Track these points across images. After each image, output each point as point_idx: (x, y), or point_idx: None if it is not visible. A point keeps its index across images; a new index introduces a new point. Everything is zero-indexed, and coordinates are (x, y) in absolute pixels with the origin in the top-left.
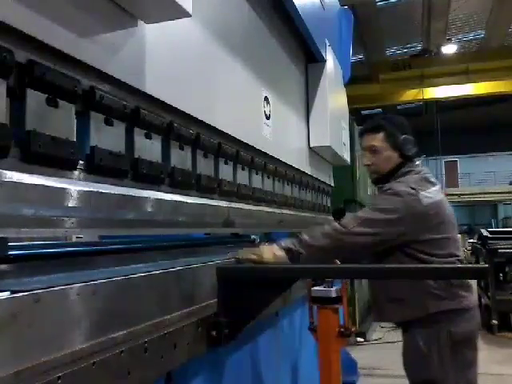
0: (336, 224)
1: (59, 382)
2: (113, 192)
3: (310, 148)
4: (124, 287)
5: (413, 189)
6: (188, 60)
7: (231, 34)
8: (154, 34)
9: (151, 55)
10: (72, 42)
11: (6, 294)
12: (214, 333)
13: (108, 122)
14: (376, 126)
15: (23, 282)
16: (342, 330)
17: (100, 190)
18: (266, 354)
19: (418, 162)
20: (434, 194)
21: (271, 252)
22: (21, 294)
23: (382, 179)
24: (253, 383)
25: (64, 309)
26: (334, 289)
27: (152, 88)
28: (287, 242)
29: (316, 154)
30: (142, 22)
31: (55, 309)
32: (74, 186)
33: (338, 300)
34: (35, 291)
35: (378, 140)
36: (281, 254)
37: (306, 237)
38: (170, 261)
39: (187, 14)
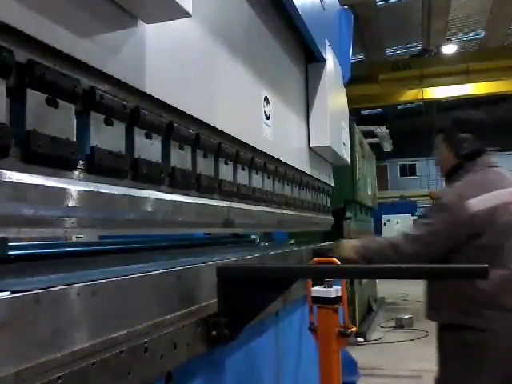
0: (391, 240)
1: (59, 382)
2: (113, 192)
3: (310, 148)
4: (124, 287)
5: (460, 197)
6: (188, 60)
7: (231, 34)
8: (154, 34)
9: (151, 55)
10: (72, 42)
11: (5, 294)
12: (213, 333)
13: (108, 122)
14: (439, 127)
15: (23, 282)
16: (342, 329)
17: (100, 190)
18: (266, 354)
19: (482, 160)
20: (486, 200)
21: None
22: (21, 293)
23: (447, 178)
24: (253, 383)
25: (64, 309)
26: (333, 289)
27: (152, 88)
28: (358, 247)
29: (316, 153)
30: (142, 22)
31: (55, 309)
32: (74, 186)
33: (338, 300)
34: (35, 291)
35: (438, 140)
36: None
37: (364, 247)
38: (170, 261)
39: (187, 14)
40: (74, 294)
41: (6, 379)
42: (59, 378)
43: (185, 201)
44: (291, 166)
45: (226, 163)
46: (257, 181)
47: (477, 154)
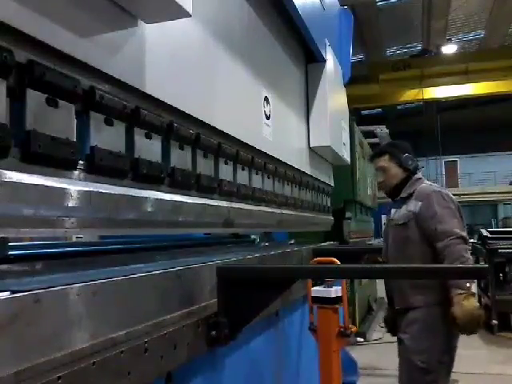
0: (459, 240)
1: (59, 382)
2: (113, 192)
3: (310, 148)
4: (124, 287)
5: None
6: (188, 60)
7: (231, 34)
8: (154, 34)
9: (151, 55)
10: (72, 42)
11: (5, 294)
12: (213, 333)
13: (108, 122)
14: (381, 151)
15: (23, 282)
16: (342, 329)
17: (100, 190)
18: (266, 354)
19: (420, 174)
20: None
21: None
22: (21, 293)
23: (393, 192)
24: (253, 383)
25: (64, 309)
26: (333, 289)
27: (152, 88)
28: (466, 292)
29: (316, 153)
30: (143, 22)
31: (55, 309)
32: (74, 186)
33: (338, 300)
34: (35, 291)
35: (384, 161)
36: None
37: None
38: (170, 261)
39: (187, 14)
40: (74, 294)
41: (6, 379)
42: (59, 378)
43: (185, 201)
44: (291, 166)
45: (225, 163)
46: (257, 181)
47: (417, 168)
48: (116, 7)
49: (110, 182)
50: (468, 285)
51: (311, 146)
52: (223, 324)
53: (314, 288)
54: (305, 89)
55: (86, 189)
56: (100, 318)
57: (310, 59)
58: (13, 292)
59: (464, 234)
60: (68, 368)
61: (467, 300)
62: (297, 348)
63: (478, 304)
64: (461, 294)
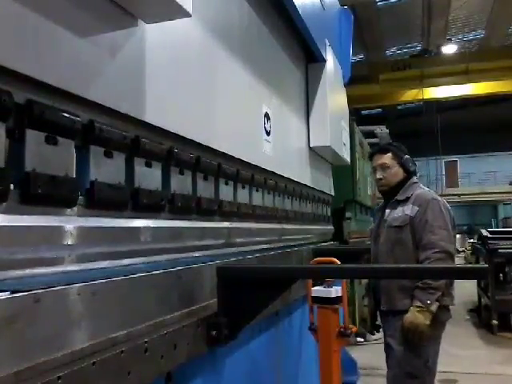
0: (443, 255)
1: (59, 382)
2: (113, 225)
3: (310, 157)
4: (124, 287)
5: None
6: (186, 81)
7: (231, 35)
8: (151, 56)
9: (149, 81)
10: (70, 78)
11: (5, 294)
12: (213, 333)
13: (107, 154)
14: (384, 148)
15: (23, 282)
16: (342, 329)
17: (101, 225)
18: (266, 354)
19: (415, 178)
20: None
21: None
22: (21, 293)
23: (390, 191)
24: (253, 383)
25: (64, 309)
26: (333, 289)
27: (150, 115)
28: (428, 306)
29: (317, 164)
30: (140, 37)
31: (55, 309)
32: (74, 224)
33: (338, 300)
34: (35, 291)
35: (387, 158)
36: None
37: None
38: (170, 261)
39: (187, 14)
40: (74, 293)
41: (5, 379)
42: (59, 378)
43: (186, 226)
44: (291, 179)
45: (226, 183)
46: (257, 197)
47: (415, 171)
48: (117, 12)
49: (110, 215)
50: (429, 302)
51: (311, 145)
52: (223, 324)
53: (314, 288)
54: (305, 89)
55: (86, 225)
56: (100, 318)
57: (310, 59)
58: (13, 292)
59: (451, 248)
60: (68, 368)
61: (421, 314)
62: (297, 348)
63: (428, 322)
64: (419, 306)
